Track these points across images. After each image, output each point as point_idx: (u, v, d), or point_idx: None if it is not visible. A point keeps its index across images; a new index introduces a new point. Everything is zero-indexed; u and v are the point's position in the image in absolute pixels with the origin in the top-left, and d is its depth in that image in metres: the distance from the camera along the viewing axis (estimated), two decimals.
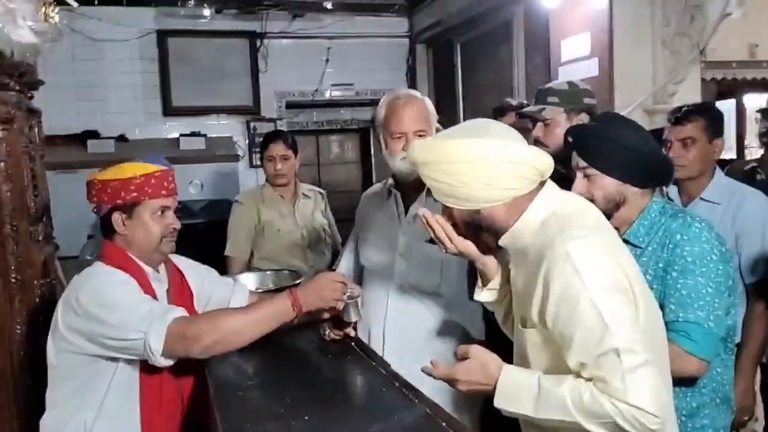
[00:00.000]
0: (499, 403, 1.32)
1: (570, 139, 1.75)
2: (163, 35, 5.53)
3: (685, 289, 1.61)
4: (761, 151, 3.32)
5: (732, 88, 5.18)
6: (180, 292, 1.93)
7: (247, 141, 5.86)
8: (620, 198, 1.70)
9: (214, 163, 5.39)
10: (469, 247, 1.48)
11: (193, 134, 5.51)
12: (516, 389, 1.30)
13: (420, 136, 2.07)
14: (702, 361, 1.60)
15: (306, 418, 1.47)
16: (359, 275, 2.37)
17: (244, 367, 1.82)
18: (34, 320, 2.23)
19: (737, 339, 2.23)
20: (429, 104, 2.17)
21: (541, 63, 4.27)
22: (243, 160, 5.80)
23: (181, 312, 1.70)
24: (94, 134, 5.30)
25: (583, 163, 1.71)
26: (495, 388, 1.33)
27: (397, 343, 2.09)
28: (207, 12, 5.54)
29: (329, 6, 5.82)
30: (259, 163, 5.79)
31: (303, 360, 1.79)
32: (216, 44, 5.67)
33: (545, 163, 1.37)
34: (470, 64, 5.46)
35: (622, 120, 1.80)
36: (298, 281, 2.54)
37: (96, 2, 5.15)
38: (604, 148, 1.67)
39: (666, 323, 1.54)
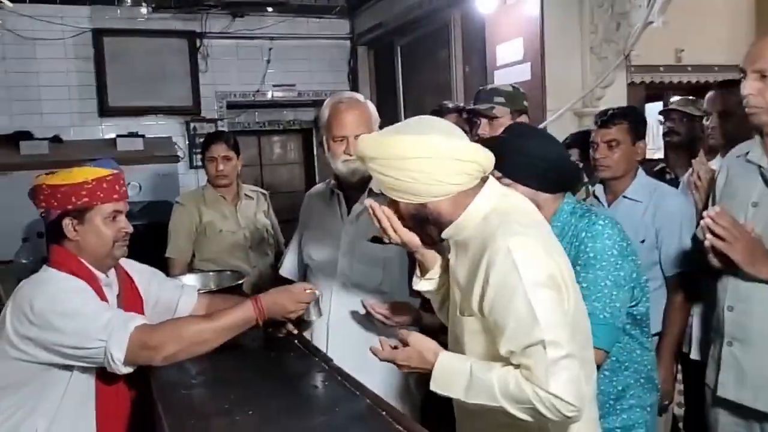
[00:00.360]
0: (434, 386, 1.39)
1: None
2: (98, 34, 5.41)
3: (585, 282, 1.70)
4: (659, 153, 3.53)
5: (659, 91, 5.42)
6: (130, 296, 1.92)
7: (187, 142, 5.79)
8: (534, 204, 1.78)
9: (152, 164, 5.30)
10: (412, 238, 1.54)
11: (130, 135, 5.41)
12: (450, 375, 1.37)
13: None
14: (599, 350, 1.67)
15: (250, 412, 1.51)
16: (303, 273, 2.41)
17: (187, 366, 1.83)
18: None
19: (658, 327, 2.40)
20: (372, 108, 2.23)
21: (479, 66, 4.41)
22: (183, 161, 5.73)
23: (142, 320, 1.70)
24: (27, 135, 5.15)
25: (497, 173, 1.79)
26: (431, 372, 1.40)
27: (341, 340, 2.14)
28: (144, 11, 5.47)
29: (269, 6, 5.83)
30: (199, 164, 5.76)
31: (246, 358, 1.82)
32: (154, 43, 5.58)
33: (488, 159, 1.43)
34: (411, 66, 5.56)
35: (529, 131, 1.91)
36: (240, 281, 2.58)
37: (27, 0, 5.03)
38: (514, 159, 1.75)
39: None
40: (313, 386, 1.69)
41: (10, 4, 2.39)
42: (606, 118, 2.48)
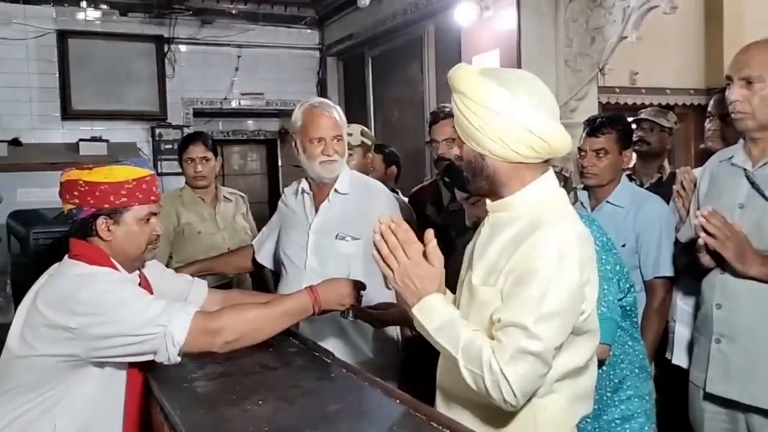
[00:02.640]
0: (415, 311, 1.35)
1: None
2: (63, 36, 5.30)
3: None
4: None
5: (615, 112, 5.58)
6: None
7: (151, 148, 5.68)
8: None
9: None
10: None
11: (93, 139, 5.29)
12: (433, 310, 1.34)
13: (337, 141, 2.28)
14: (603, 345, 1.70)
15: (260, 402, 1.49)
16: (277, 265, 2.52)
17: (185, 362, 1.79)
18: None
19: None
20: (341, 112, 2.37)
21: None
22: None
23: (197, 306, 1.66)
24: None
25: (464, 195, 1.82)
26: (421, 297, 1.36)
27: (313, 333, 2.18)
28: (111, 14, 5.38)
29: (238, 14, 5.81)
30: (164, 170, 5.68)
31: (245, 353, 1.78)
32: (121, 47, 5.49)
33: (561, 143, 1.38)
34: (381, 78, 5.61)
35: None
36: (222, 283, 2.55)
37: None
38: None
39: None
40: (319, 378, 1.67)
41: None
42: (595, 127, 2.52)
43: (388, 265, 1.37)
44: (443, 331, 1.32)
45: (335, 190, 2.33)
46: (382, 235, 1.37)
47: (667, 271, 2.44)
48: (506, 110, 1.33)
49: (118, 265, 1.71)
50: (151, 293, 1.81)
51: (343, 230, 2.27)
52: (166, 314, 1.57)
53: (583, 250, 1.35)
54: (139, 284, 1.80)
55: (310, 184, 2.38)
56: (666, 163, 3.52)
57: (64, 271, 1.68)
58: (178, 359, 1.60)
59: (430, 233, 1.39)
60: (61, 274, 1.67)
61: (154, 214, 1.75)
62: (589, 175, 2.52)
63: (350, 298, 1.86)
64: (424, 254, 1.37)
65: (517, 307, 1.29)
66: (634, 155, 3.57)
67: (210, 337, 1.60)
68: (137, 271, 1.83)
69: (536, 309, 1.27)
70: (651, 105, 5.22)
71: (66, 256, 1.72)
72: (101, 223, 1.67)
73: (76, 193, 1.66)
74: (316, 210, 2.35)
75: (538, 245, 1.31)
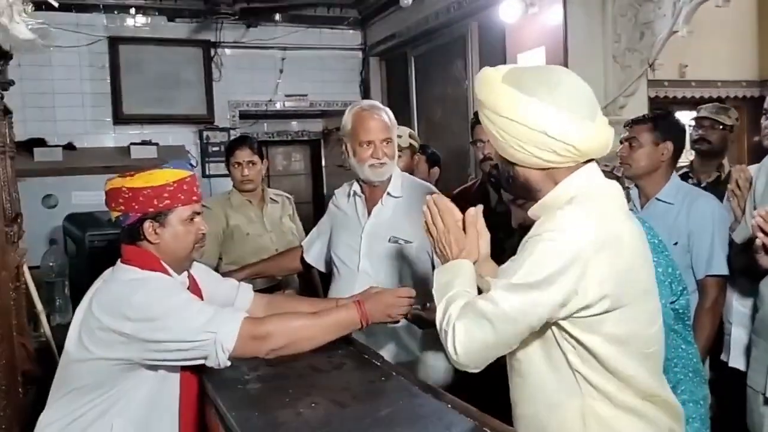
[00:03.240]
0: (439, 270, 1.47)
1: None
2: (114, 42, 5.44)
3: None
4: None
5: (664, 106, 5.47)
6: (195, 295, 1.86)
7: (199, 150, 5.79)
8: None
9: None
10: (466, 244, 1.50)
11: (144, 143, 5.41)
12: (451, 269, 1.45)
13: (387, 143, 2.28)
14: None
15: (313, 404, 1.51)
16: (328, 267, 2.54)
17: (237, 365, 1.83)
18: (5, 323, 2.17)
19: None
20: (391, 114, 2.37)
21: None
22: (195, 170, 5.72)
23: (246, 312, 1.69)
24: (40, 142, 5.15)
25: (510, 196, 1.83)
26: (448, 261, 1.47)
27: (365, 335, 2.17)
28: (160, 20, 5.50)
29: (282, 17, 5.88)
30: (212, 173, 5.78)
31: (294, 358, 1.79)
32: (169, 52, 5.60)
33: (592, 145, 1.32)
34: (424, 77, 5.59)
35: None
36: (272, 285, 2.59)
37: (44, 7, 5.03)
38: None
39: None
40: (370, 381, 1.68)
41: (56, 3, 2.38)
42: (631, 120, 2.61)
43: (431, 234, 1.51)
44: (442, 287, 1.40)
45: (388, 193, 2.34)
46: (428, 207, 1.52)
47: (721, 269, 2.39)
48: (521, 117, 1.29)
49: (169, 268, 1.76)
50: (200, 295, 1.86)
51: (395, 233, 2.28)
52: (215, 321, 1.60)
53: (596, 230, 1.27)
54: (189, 287, 1.85)
55: (361, 186, 2.39)
56: (725, 161, 3.42)
57: (117, 276, 1.73)
58: (228, 363, 1.63)
59: (473, 210, 1.50)
60: (115, 280, 1.71)
61: (198, 213, 1.79)
62: (622, 164, 2.54)
63: (396, 308, 1.85)
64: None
65: (503, 270, 1.33)
66: (693, 153, 3.49)
67: (258, 344, 1.64)
68: (186, 273, 1.86)
69: (507, 278, 1.28)
70: (702, 98, 5.10)
71: (119, 261, 1.77)
72: (148, 226, 1.71)
73: (121, 200, 1.70)
74: (369, 213, 2.37)
75: (541, 224, 1.31)
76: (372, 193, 2.37)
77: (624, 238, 1.30)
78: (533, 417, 1.41)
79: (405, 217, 2.29)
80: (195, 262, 1.93)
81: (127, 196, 1.69)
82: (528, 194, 1.40)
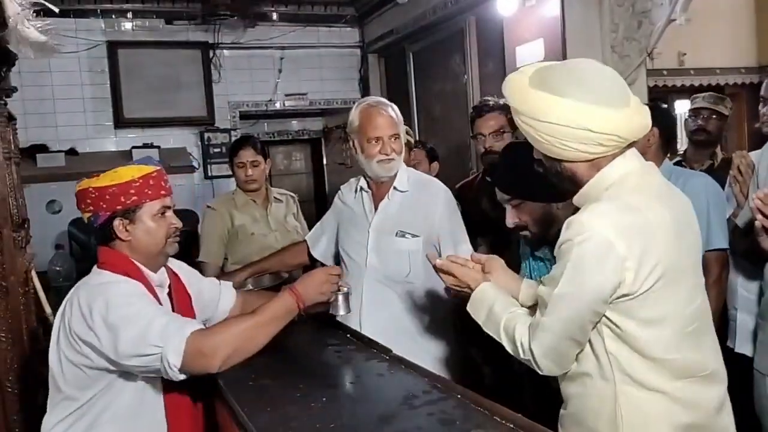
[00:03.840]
0: (468, 308, 1.59)
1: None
2: (112, 46, 5.45)
3: None
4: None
5: (664, 95, 5.47)
6: (180, 294, 1.90)
7: (201, 152, 5.81)
8: (548, 218, 1.80)
9: (168, 174, 5.30)
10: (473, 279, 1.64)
11: (145, 146, 5.44)
12: (479, 302, 1.56)
13: (394, 139, 2.29)
14: None
15: (324, 399, 1.53)
16: (336, 261, 2.53)
17: (247, 363, 1.84)
18: (16, 327, 2.19)
19: None
20: (397, 110, 2.37)
21: (495, 69, 4.44)
22: (198, 171, 5.75)
23: (196, 325, 1.63)
24: (42, 148, 5.18)
25: (505, 196, 1.83)
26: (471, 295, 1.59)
27: (373, 330, 2.19)
28: (158, 23, 5.51)
29: (279, 17, 5.89)
30: (214, 174, 5.80)
31: (306, 351, 1.82)
32: (168, 55, 5.61)
33: (634, 128, 1.35)
34: (423, 73, 5.59)
35: (522, 146, 1.80)
36: (278, 283, 2.60)
37: (42, 14, 5.04)
38: (514, 177, 1.78)
39: None
40: (379, 374, 1.70)
41: (56, 9, 2.39)
42: None
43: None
44: (489, 322, 1.51)
45: (394, 188, 2.34)
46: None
47: (720, 243, 2.38)
48: (561, 119, 1.31)
49: (143, 267, 1.75)
50: (187, 293, 1.88)
51: (403, 227, 2.29)
52: (164, 334, 1.56)
53: (620, 237, 1.29)
54: (170, 284, 1.86)
55: (368, 182, 2.40)
56: (718, 149, 3.44)
57: (89, 281, 1.72)
58: (182, 377, 1.58)
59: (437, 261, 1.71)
60: (85, 285, 1.71)
61: (168, 207, 1.78)
62: None
63: (327, 285, 1.81)
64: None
65: (547, 279, 1.40)
66: (687, 141, 3.50)
67: (206, 360, 1.57)
68: (164, 271, 1.86)
69: (552, 287, 1.35)
70: (701, 86, 5.10)
71: (95, 265, 1.77)
72: (118, 224, 1.71)
73: (89, 201, 1.70)
74: (376, 208, 2.38)
75: (569, 224, 1.34)
76: (379, 188, 2.38)
77: (652, 223, 1.33)
78: (577, 399, 1.45)
79: (412, 212, 2.30)
80: (180, 262, 1.95)
81: (93, 196, 1.69)
82: (576, 186, 1.42)
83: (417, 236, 2.28)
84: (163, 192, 1.77)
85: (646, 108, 1.40)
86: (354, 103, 2.44)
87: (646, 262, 1.30)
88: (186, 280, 1.97)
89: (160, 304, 1.74)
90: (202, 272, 3.09)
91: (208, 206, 3.35)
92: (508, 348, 1.45)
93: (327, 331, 2.13)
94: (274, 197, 3.39)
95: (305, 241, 2.70)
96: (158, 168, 1.80)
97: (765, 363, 2.03)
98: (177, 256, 1.97)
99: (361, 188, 2.43)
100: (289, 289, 1.75)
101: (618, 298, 1.32)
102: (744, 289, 2.40)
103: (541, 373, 1.40)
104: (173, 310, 1.81)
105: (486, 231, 2.69)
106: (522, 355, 1.41)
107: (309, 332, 2.12)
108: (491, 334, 1.50)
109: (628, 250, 1.29)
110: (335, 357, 1.84)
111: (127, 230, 1.72)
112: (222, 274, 3.04)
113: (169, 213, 1.79)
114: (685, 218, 1.45)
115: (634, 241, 1.29)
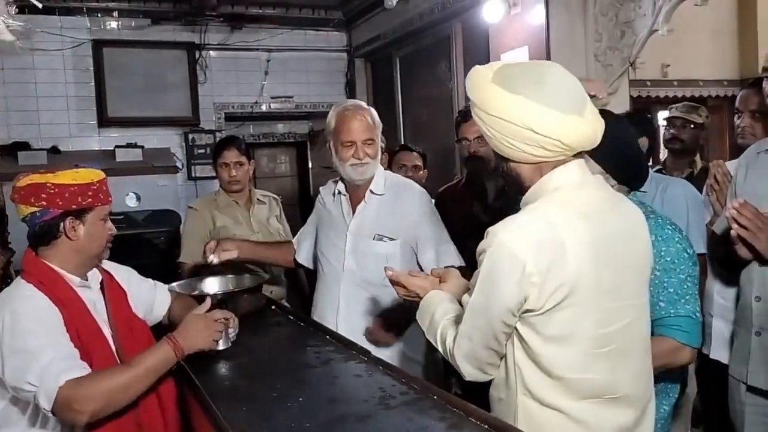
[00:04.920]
0: (417, 316, 1.63)
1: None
2: (98, 45, 5.41)
3: (671, 287, 1.73)
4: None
5: (647, 105, 5.53)
6: (113, 290, 1.88)
7: (185, 152, 5.78)
8: None
9: (151, 174, 5.29)
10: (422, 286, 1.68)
11: (129, 146, 5.39)
12: (425, 310, 1.60)
13: (368, 144, 2.31)
14: (694, 349, 1.74)
15: (300, 399, 1.53)
16: (314, 264, 2.57)
17: (225, 359, 1.84)
18: None
19: None
20: (375, 114, 2.39)
21: None
22: (181, 172, 5.71)
23: (76, 370, 1.56)
24: (25, 146, 5.12)
25: None
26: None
27: (350, 331, 2.21)
28: (144, 23, 5.48)
29: (267, 19, 5.88)
30: (197, 175, 5.77)
31: (283, 351, 1.82)
32: (153, 55, 5.58)
33: (578, 138, 1.32)
34: (409, 78, 5.62)
35: (617, 116, 1.83)
36: (259, 283, 2.58)
37: (27, 11, 5.00)
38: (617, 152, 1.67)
39: (657, 319, 1.68)
40: (356, 375, 1.70)
41: (40, 5, 2.38)
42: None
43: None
44: (430, 329, 1.56)
45: (371, 191, 2.37)
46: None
47: (698, 248, 2.40)
48: (508, 115, 1.31)
49: (65, 273, 1.74)
50: (118, 286, 1.90)
51: (380, 231, 2.30)
52: (41, 376, 1.53)
53: (529, 252, 1.28)
54: (102, 287, 1.85)
55: (346, 185, 2.42)
56: (697, 158, 3.50)
57: (4, 295, 1.71)
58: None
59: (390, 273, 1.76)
60: (2, 297, 1.70)
61: (109, 214, 1.82)
62: None
63: (209, 332, 1.76)
64: None
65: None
66: (666, 151, 3.55)
67: (73, 414, 1.54)
68: (96, 272, 1.86)
69: (469, 296, 1.41)
70: (683, 97, 5.16)
71: (20, 275, 1.75)
72: (69, 223, 1.71)
73: (44, 196, 1.68)
74: (353, 211, 2.39)
75: (489, 243, 1.35)
76: (356, 191, 2.40)
77: (565, 241, 1.29)
78: (496, 404, 1.49)
79: (389, 215, 2.32)
80: (115, 264, 1.97)
81: (52, 191, 1.68)
82: (521, 188, 1.42)
83: (394, 239, 2.29)
84: (110, 198, 1.81)
85: (602, 123, 1.37)
86: None
87: (551, 280, 1.28)
88: (120, 278, 1.97)
89: (84, 306, 1.73)
90: (181, 273, 3.10)
91: (190, 207, 3.33)
92: (442, 353, 1.51)
93: (307, 332, 2.13)
94: (257, 199, 3.37)
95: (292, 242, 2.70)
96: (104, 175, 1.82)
97: (740, 369, 2.06)
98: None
99: (339, 191, 2.45)
100: (168, 338, 1.72)
101: (524, 312, 1.33)
102: (720, 296, 2.42)
103: (465, 378, 1.44)
104: (106, 305, 1.82)
105: (476, 234, 2.71)
106: (450, 360, 1.46)
107: (288, 333, 2.11)
108: (431, 340, 1.55)
109: (535, 266, 1.27)
110: (314, 358, 1.84)
111: (75, 230, 1.73)
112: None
113: (109, 220, 1.83)
114: (625, 237, 1.40)
115: (542, 258, 1.28)
